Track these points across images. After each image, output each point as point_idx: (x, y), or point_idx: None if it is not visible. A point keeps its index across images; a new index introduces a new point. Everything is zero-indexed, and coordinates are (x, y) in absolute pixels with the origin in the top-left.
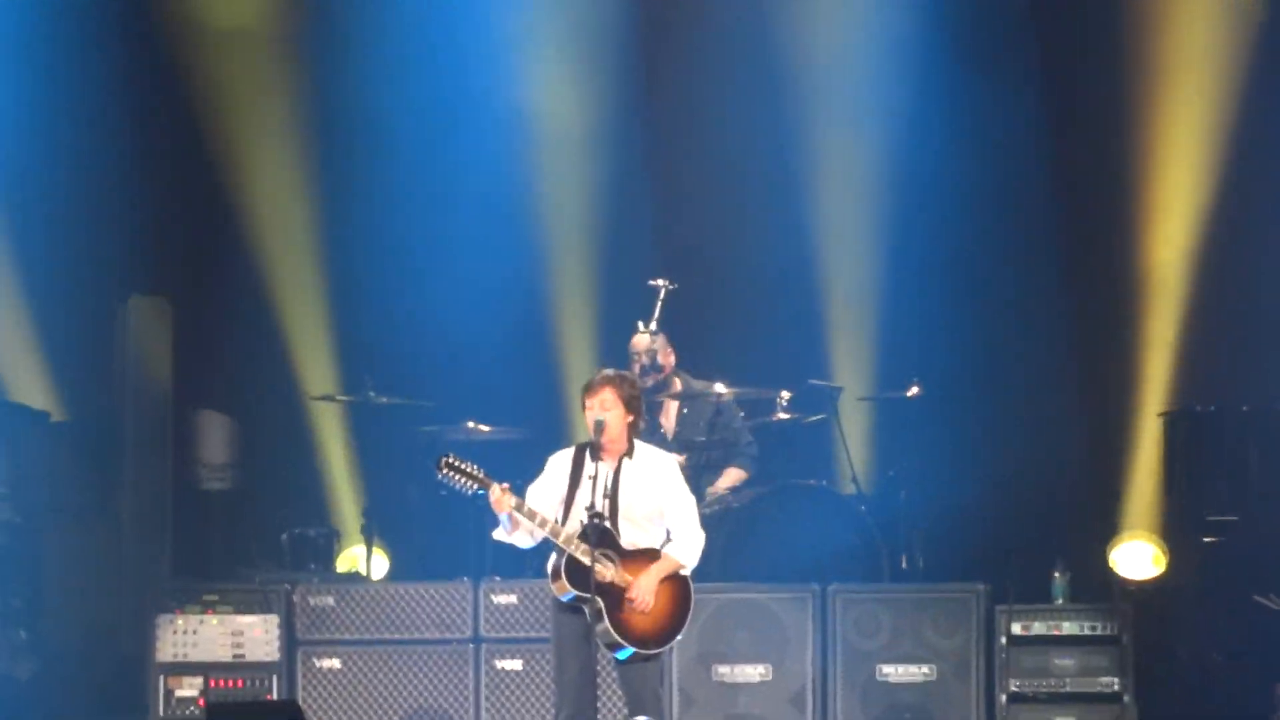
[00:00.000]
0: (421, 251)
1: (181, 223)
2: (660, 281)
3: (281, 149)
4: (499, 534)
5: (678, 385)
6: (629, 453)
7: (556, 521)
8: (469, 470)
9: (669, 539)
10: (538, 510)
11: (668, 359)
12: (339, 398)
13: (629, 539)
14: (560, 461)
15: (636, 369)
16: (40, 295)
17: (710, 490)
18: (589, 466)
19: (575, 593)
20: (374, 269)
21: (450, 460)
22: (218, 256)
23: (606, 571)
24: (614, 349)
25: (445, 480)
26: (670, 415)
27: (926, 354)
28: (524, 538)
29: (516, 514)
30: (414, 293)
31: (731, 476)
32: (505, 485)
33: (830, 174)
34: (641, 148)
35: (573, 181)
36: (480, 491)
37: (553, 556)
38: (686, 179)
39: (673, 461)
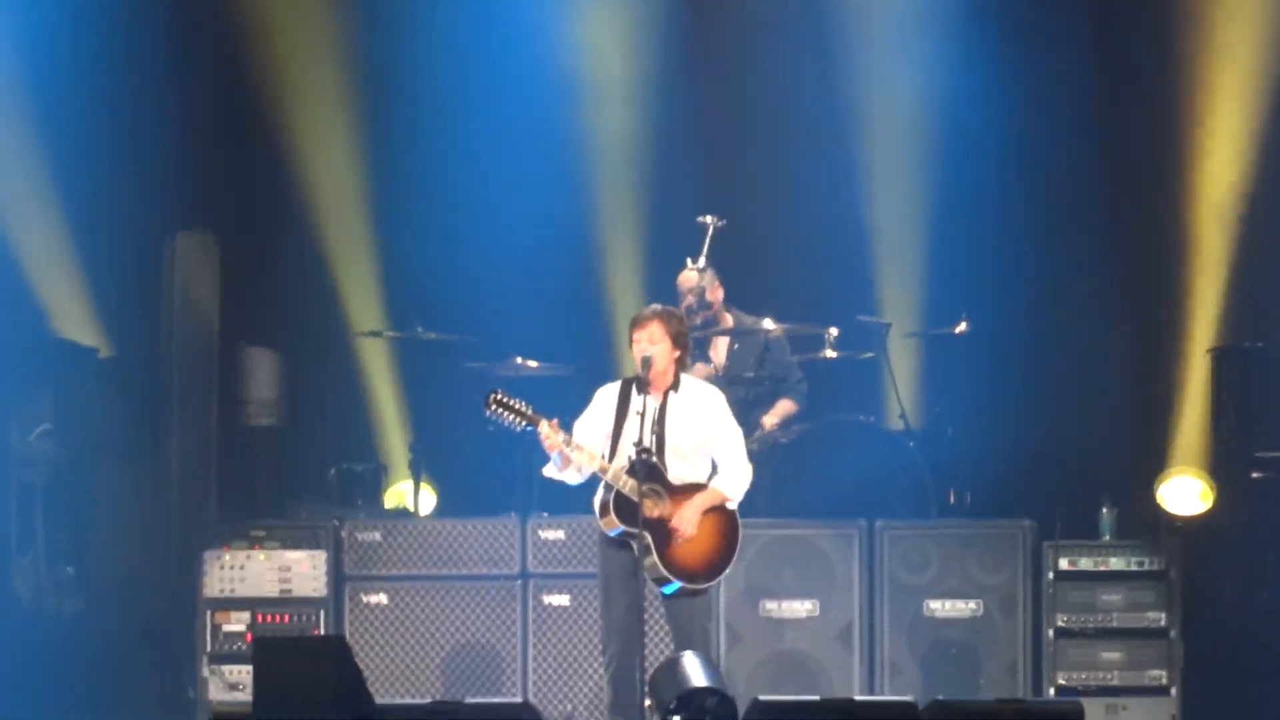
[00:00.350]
0: (469, 187)
1: (229, 159)
2: (708, 218)
3: (329, 86)
4: (549, 471)
5: (727, 321)
6: (675, 387)
7: (604, 457)
8: (517, 407)
9: (715, 472)
10: (585, 446)
11: (716, 295)
12: (386, 334)
13: (676, 473)
14: (607, 396)
15: (685, 305)
16: (87, 231)
17: (762, 421)
18: (636, 401)
19: (623, 528)
20: (422, 205)
21: (499, 397)
22: (265, 192)
23: (654, 507)
24: (662, 285)
25: (493, 417)
26: (720, 351)
27: (975, 290)
28: (573, 474)
29: (565, 449)
30: (462, 229)
31: (782, 409)
32: (554, 421)
33: (879, 112)
34: (690, 86)
35: (621, 118)
36: (529, 428)
37: (600, 492)
38: (735, 116)
39: (719, 395)
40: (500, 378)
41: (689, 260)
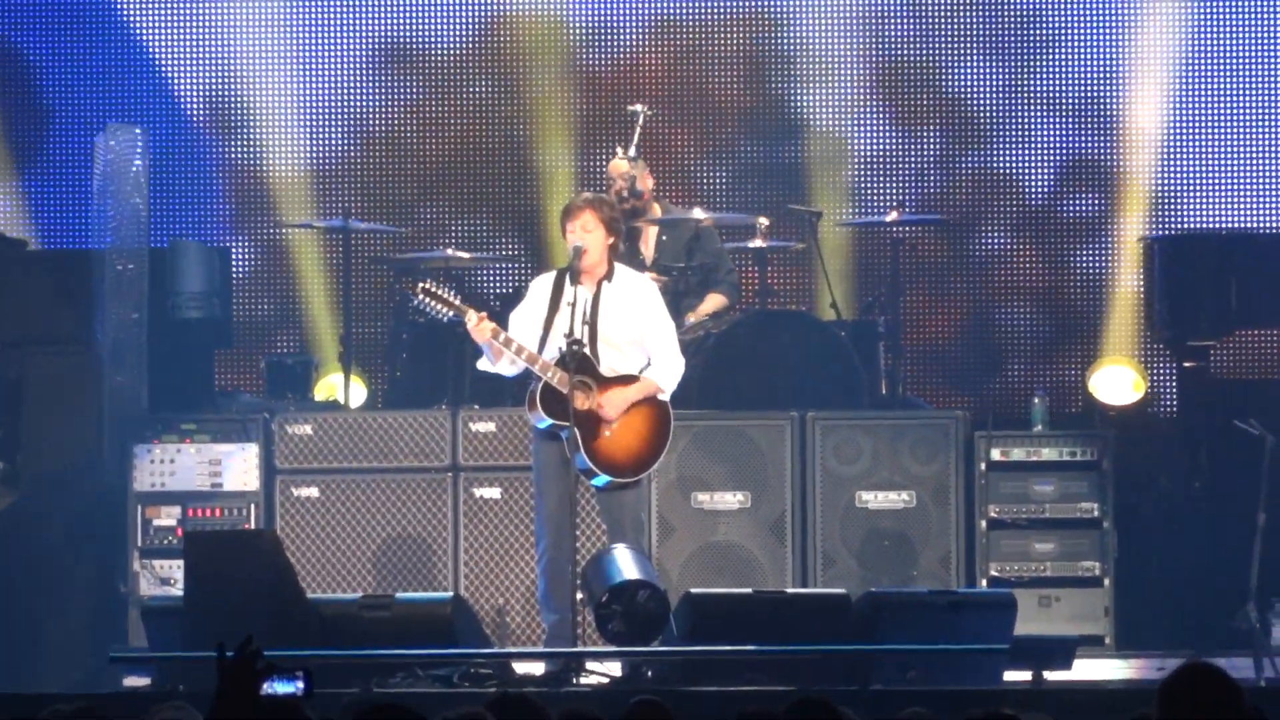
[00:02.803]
0: (399, 75)
1: (158, 51)
2: (638, 107)
3: None
4: (483, 364)
5: (657, 211)
6: (608, 276)
7: (538, 348)
8: (446, 297)
9: (649, 365)
10: (514, 338)
11: (646, 184)
12: (316, 225)
13: (608, 364)
14: (541, 286)
15: (615, 193)
16: (17, 122)
17: (690, 315)
18: (568, 292)
19: (550, 421)
20: (352, 94)
21: (427, 286)
22: (195, 84)
23: (583, 399)
24: (592, 174)
25: (422, 306)
26: (649, 242)
27: (906, 180)
28: (507, 366)
29: (493, 341)
30: (392, 120)
31: (712, 302)
32: (483, 313)
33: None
34: None
35: (551, 4)
36: (457, 317)
37: (531, 384)
38: (664, 4)
39: (652, 285)
40: (430, 270)
41: (619, 149)
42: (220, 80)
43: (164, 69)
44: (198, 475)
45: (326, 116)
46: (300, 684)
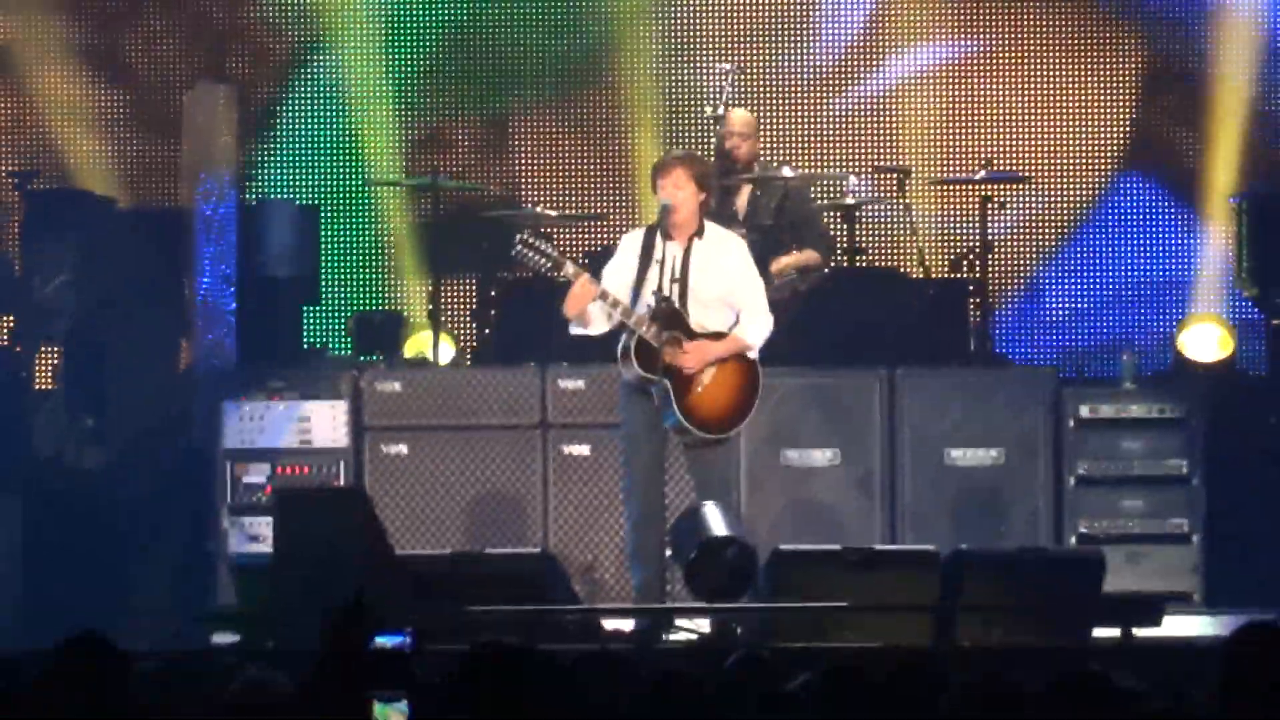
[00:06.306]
0: (487, 34)
1: (246, 7)
2: (727, 65)
3: None
4: (575, 329)
5: (754, 169)
6: (699, 233)
7: (628, 304)
8: (544, 249)
9: (737, 322)
10: (610, 291)
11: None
12: (405, 183)
13: (698, 321)
14: (631, 242)
15: (730, 148)
16: (107, 80)
17: (775, 263)
18: (659, 248)
19: (642, 373)
20: (440, 51)
21: (525, 238)
22: (282, 41)
23: (674, 354)
24: (682, 130)
25: (520, 257)
26: (743, 200)
27: (994, 137)
28: (600, 325)
29: (590, 286)
30: (480, 76)
31: (802, 255)
32: (580, 266)
33: None
34: None
35: None
36: (554, 271)
37: (623, 337)
38: None
39: (741, 242)
40: (520, 226)
41: (707, 107)
42: (310, 37)
43: (253, 26)
44: (287, 432)
45: (415, 72)
46: (408, 639)
